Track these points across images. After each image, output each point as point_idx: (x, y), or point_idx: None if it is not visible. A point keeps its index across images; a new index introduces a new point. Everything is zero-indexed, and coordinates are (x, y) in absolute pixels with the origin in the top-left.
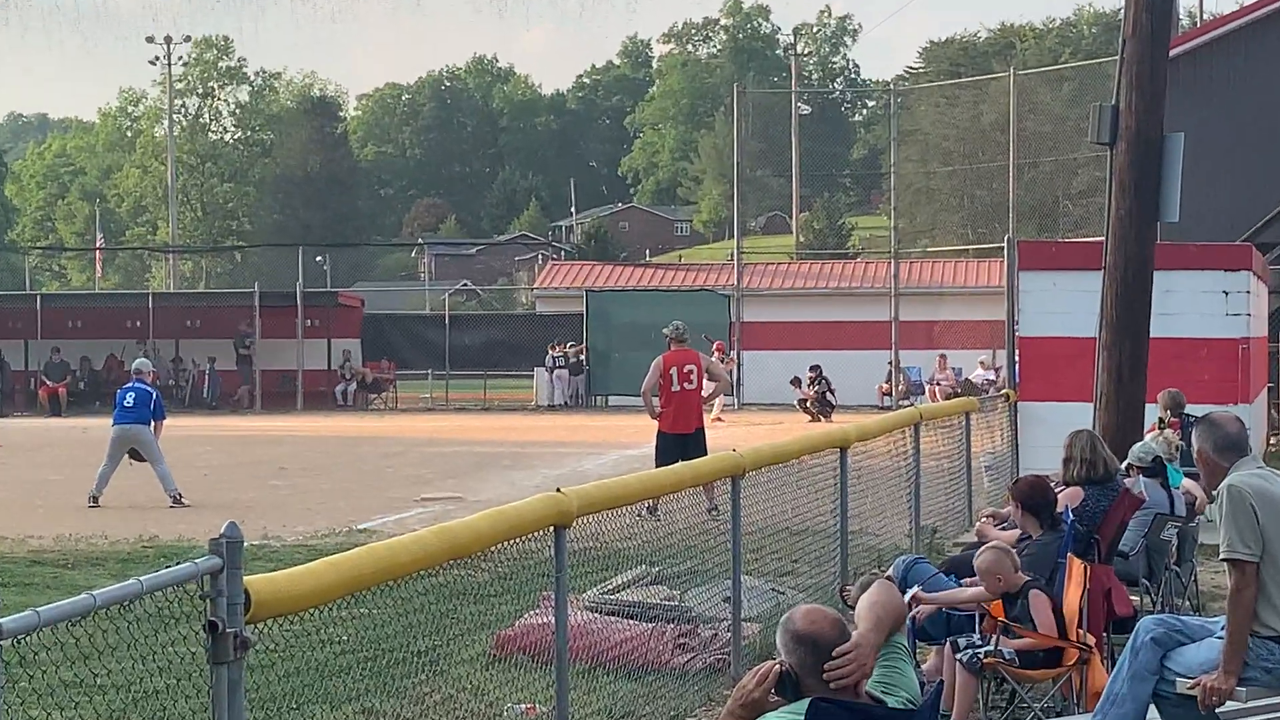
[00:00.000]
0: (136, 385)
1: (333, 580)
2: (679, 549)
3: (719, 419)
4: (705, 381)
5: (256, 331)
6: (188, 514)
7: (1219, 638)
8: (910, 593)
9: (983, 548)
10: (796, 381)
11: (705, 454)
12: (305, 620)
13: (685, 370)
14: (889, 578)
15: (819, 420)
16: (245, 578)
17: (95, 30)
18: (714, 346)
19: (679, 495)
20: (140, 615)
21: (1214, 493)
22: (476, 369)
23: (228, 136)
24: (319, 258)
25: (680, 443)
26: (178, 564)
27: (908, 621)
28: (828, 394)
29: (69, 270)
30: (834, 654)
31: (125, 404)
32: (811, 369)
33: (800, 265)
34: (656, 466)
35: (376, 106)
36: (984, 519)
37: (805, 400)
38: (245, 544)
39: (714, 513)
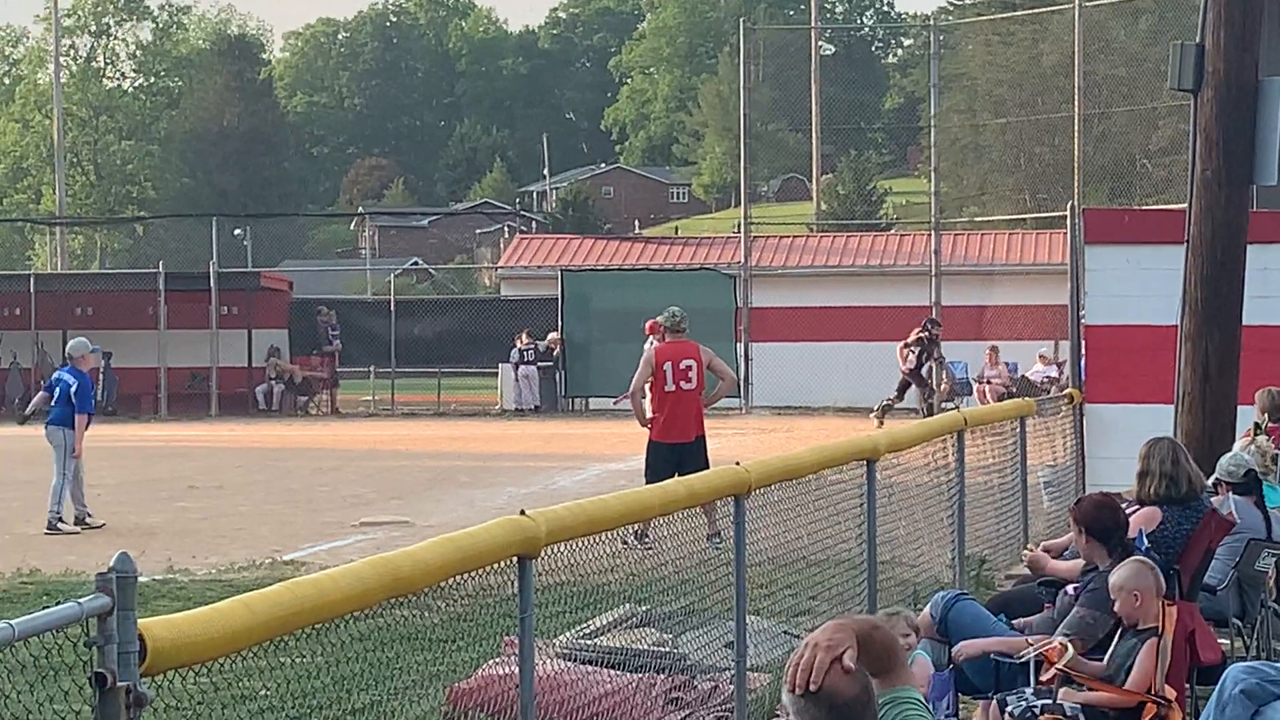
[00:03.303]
0: (60, 374)
1: (247, 623)
2: (672, 583)
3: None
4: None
5: (162, 321)
6: (76, 542)
7: None
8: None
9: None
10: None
11: (707, 467)
12: (215, 672)
13: (682, 366)
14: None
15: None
16: (140, 620)
17: None
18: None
19: (672, 519)
20: (13, 666)
21: None
22: (429, 365)
23: (126, 84)
24: (238, 231)
25: (676, 454)
26: (60, 603)
27: (949, 672)
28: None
29: None
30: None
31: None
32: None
33: (821, 239)
34: (647, 482)
35: (307, 47)
36: (1031, 549)
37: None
38: (145, 579)
39: (716, 540)
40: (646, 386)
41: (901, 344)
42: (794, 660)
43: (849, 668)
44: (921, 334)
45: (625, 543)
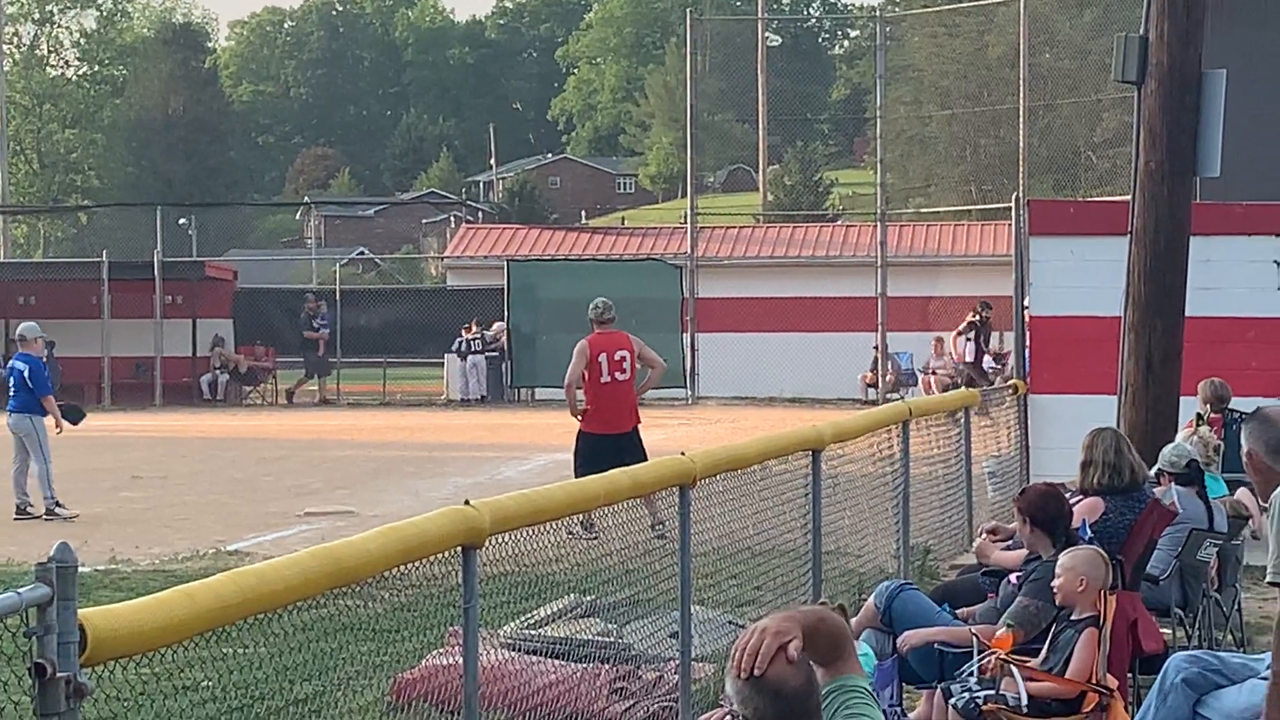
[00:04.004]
0: (16, 359)
1: (189, 613)
2: (616, 574)
3: None
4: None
5: (106, 310)
6: (17, 532)
7: (1263, 678)
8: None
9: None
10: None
11: (645, 457)
12: (157, 662)
13: (617, 357)
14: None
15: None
16: (81, 610)
17: None
18: None
19: (617, 509)
20: None
21: (1266, 504)
22: (374, 355)
23: (70, 72)
24: (182, 220)
25: (613, 445)
26: None
27: (892, 661)
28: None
29: None
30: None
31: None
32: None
33: (768, 229)
34: (581, 474)
35: (253, 36)
36: (983, 535)
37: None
38: (87, 569)
39: (660, 528)
40: (582, 377)
41: (954, 332)
42: (740, 645)
43: (793, 657)
44: (973, 318)
45: (570, 533)
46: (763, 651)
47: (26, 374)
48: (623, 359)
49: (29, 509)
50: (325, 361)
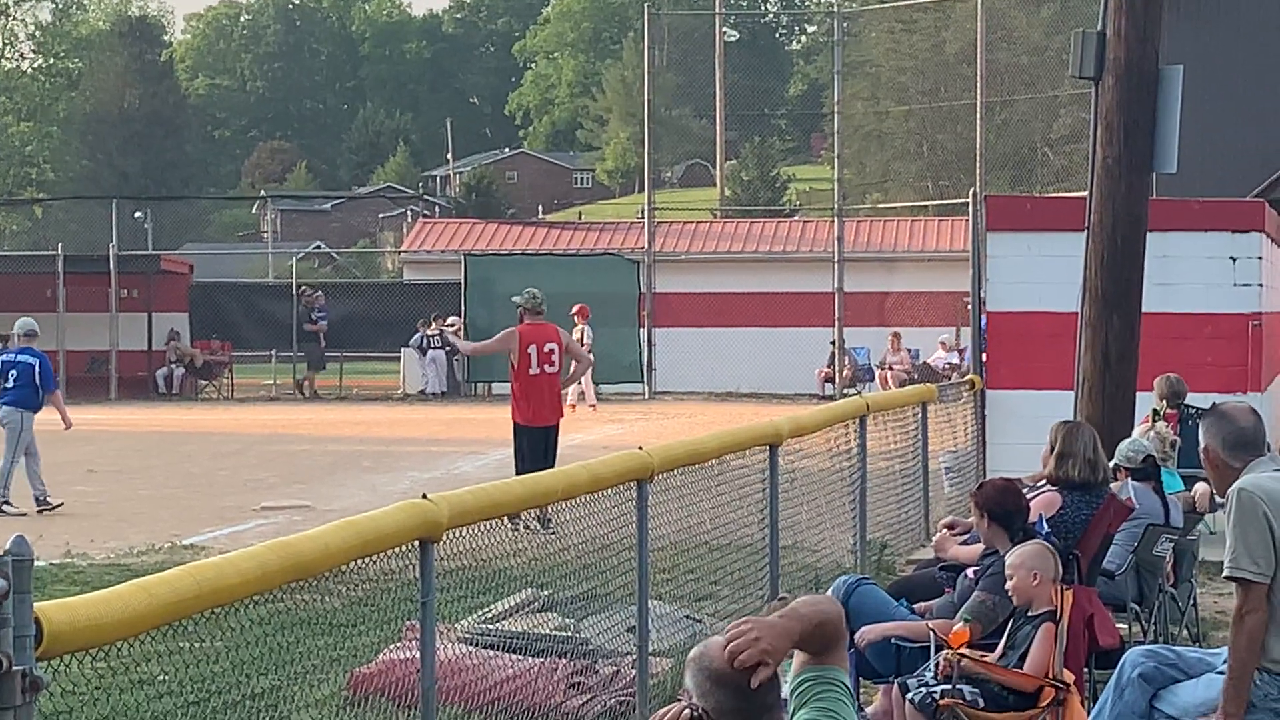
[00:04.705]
0: (20, 354)
1: (145, 607)
2: (574, 568)
3: (573, 406)
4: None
5: (61, 304)
6: None
7: (1220, 673)
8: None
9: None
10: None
11: (555, 454)
12: (113, 656)
13: (546, 350)
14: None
15: None
16: (37, 604)
17: None
18: (574, 311)
19: (574, 503)
20: None
21: (1221, 499)
22: (331, 349)
23: (25, 65)
24: (138, 213)
25: (544, 436)
26: None
27: (849, 655)
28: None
29: None
30: (729, 629)
31: (7, 383)
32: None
33: (725, 224)
34: (519, 470)
35: (209, 29)
36: (942, 529)
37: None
38: (42, 563)
39: (544, 526)
40: (509, 368)
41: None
42: (733, 631)
43: (767, 678)
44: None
45: (527, 527)
46: (747, 655)
47: (37, 369)
48: (551, 351)
49: (48, 499)
50: (325, 354)
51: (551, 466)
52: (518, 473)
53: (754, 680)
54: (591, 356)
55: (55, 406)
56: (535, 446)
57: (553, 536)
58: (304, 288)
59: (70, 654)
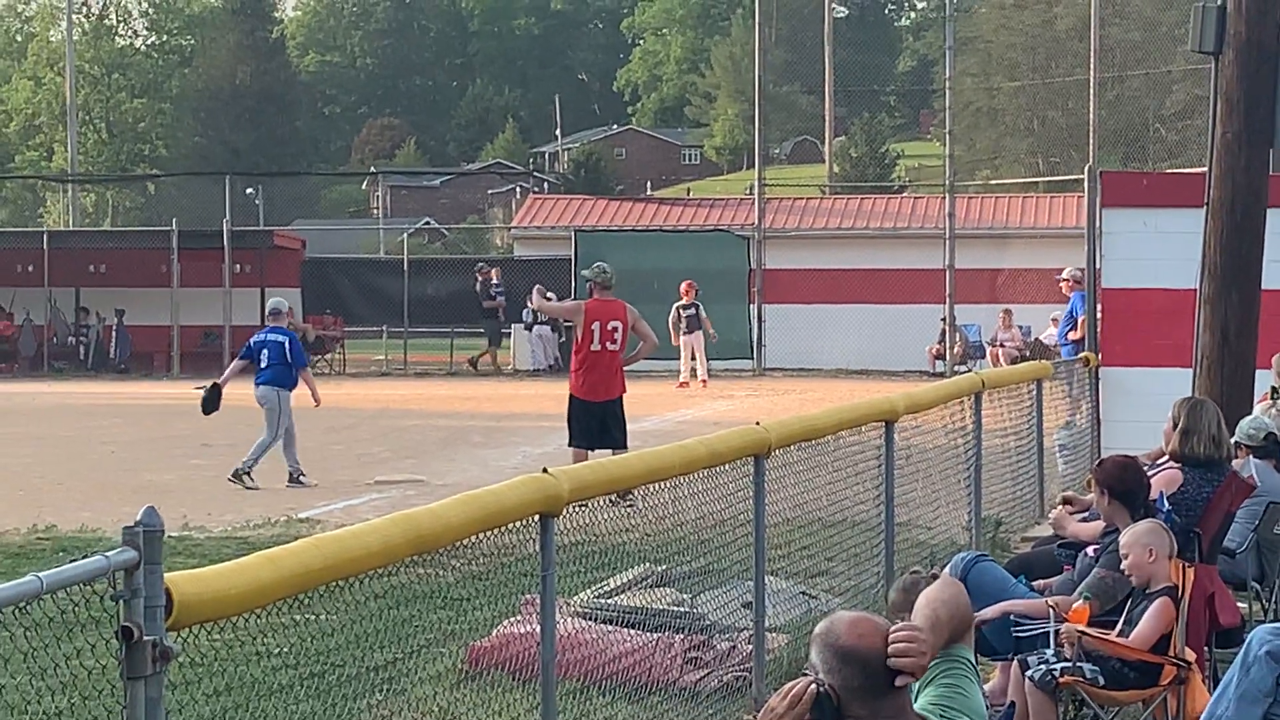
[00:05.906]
0: (269, 332)
1: (271, 579)
2: (690, 543)
3: (685, 384)
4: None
5: (175, 279)
6: (91, 499)
7: None
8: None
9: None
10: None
11: (625, 429)
12: (237, 628)
13: (610, 328)
14: (931, 575)
15: None
16: (167, 575)
17: None
18: (682, 287)
19: (691, 479)
20: (39, 620)
21: None
22: (441, 325)
23: (139, 42)
24: (250, 189)
25: (600, 411)
26: (82, 558)
27: None
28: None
29: None
30: (890, 636)
31: (260, 363)
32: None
33: (835, 201)
34: (572, 438)
35: (319, 6)
36: (1060, 506)
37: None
38: (165, 535)
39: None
40: (574, 341)
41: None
42: (904, 636)
43: (907, 684)
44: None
45: (612, 502)
46: (906, 664)
47: (287, 347)
48: (614, 329)
49: (302, 478)
50: (502, 330)
51: (608, 445)
52: (571, 445)
53: (898, 681)
54: (656, 339)
55: (306, 383)
56: (586, 421)
57: (668, 512)
58: (480, 264)
59: (199, 625)
